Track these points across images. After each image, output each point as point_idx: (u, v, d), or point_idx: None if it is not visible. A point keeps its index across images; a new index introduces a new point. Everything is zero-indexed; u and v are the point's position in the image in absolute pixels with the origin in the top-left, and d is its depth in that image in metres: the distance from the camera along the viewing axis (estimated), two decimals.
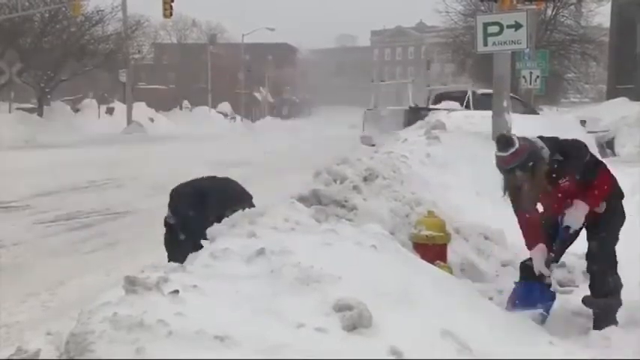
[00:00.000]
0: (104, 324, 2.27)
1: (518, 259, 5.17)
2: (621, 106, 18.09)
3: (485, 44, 11.44)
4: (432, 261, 4.43)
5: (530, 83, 19.80)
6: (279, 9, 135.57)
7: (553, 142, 4.20)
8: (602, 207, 4.22)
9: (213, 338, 2.32)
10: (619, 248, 4.50)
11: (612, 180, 4.35)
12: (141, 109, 37.52)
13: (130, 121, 34.06)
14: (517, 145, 4.00)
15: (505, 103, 12.79)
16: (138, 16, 38.09)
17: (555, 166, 4.09)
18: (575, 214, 4.16)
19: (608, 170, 4.39)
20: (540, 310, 4.09)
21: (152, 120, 38.37)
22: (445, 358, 2.62)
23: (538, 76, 19.87)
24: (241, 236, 3.62)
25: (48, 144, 21.74)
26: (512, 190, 4.26)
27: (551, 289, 4.43)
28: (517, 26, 11.09)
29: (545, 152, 4.07)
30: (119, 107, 37.26)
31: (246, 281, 2.95)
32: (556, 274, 5.08)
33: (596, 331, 4.00)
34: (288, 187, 6.02)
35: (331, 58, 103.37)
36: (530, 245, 4.34)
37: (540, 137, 4.26)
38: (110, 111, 37.79)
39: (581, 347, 3.71)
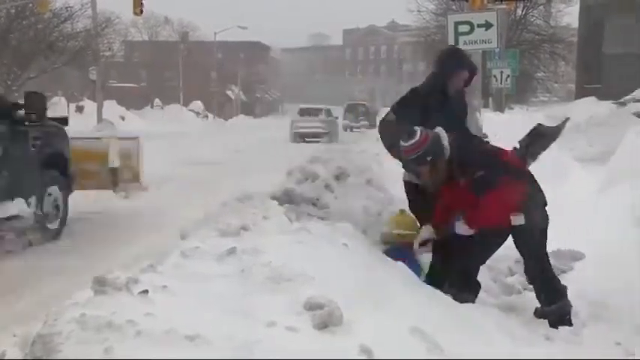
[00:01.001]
0: (72, 325, 2.24)
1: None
2: (590, 105, 18.37)
3: (457, 43, 11.53)
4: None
5: (501, 82, 20.00)
6: (251, 8, 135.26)
7: (460, 143, 4.28)
8: (519, 219, 4.14)
9: (183, 338, 2.31)
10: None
11: (509, 192, 4.17)
12: (112, 108, 37.11)
13: (100, 119, 33.63)
14: (417, 138, 4.17)
15: (476, 102, 12.91)
16: (108, 13, 37.66)
17: (454, 166, 4.19)
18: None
19: (506, 183, 4.19)
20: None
21: (123, 118, 38.00)
22: (415, 358, 2.63)
23: (509, 76, 20.08)
24: (212, 235, 3.61)
25: None
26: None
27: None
28: (488, 25, 11.21)
29: (446, 151, 4.18)
30: (89, 105, 36.79)
31: (217, 280, 2.94)
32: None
33: (567, 328, 4.03)
34: (260, 186, 6.00)
35: (304, 56, 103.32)
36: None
37: (460, 135, 4.39)
38: (80, 109, 37.32)
39: (549, 345, 3.74)
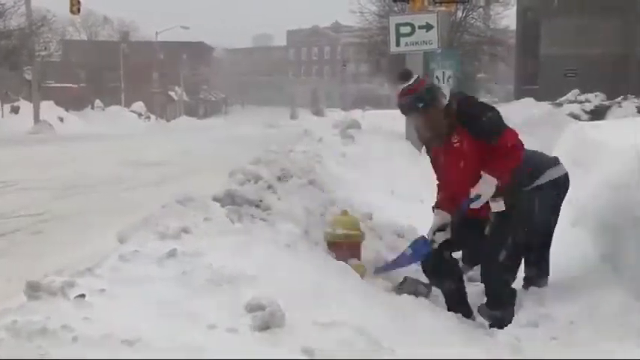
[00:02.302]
0: (2, 332, 2.17)
1: None
2: (528, 106, 18.83)
3: (398, 44, 11.70)
4: (346, 259, 4.46)
5: (443, 82, 20.31)
6: (193, 8, 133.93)
7: (461, 97, 4.06)
8: (499, 204, 3.94)
9: (122, 342, 2.27)
10: None
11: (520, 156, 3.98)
12: (50, 109, 36.14)
13: (37, 120, 32.75)
14: (411, 82, 3.93)
15: None
16: (44, 11, 36.65)
17: (449, 117, 3.92)
18: (482, 188, 3.89)
19: (517, 138, 3.96)
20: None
21: (62, 119, 37.05)
22: (358, 358, 2.64)
23: (450, 76, 20.41)
24: (152, 238, 3.55)
25: None
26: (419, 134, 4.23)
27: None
28: (428, 27, 11.41)
29: (443, 99, 3.94)
30: (25, 106, 35.76)
31: (157, 283, 2.90)
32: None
33: (507, 328, 4.03)
34: (204, 188, 5.93)
35: (248, 57, 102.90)
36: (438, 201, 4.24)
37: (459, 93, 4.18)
38: (15, 110, 36.23)
39: (493, 346, 3.79)
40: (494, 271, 4.15)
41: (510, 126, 4.04)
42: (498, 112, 3.98)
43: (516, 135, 3.98)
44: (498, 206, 3.96)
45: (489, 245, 4.08)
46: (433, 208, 4.31)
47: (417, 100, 3.91)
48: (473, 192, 3.94)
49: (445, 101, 3.98)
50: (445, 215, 4.16)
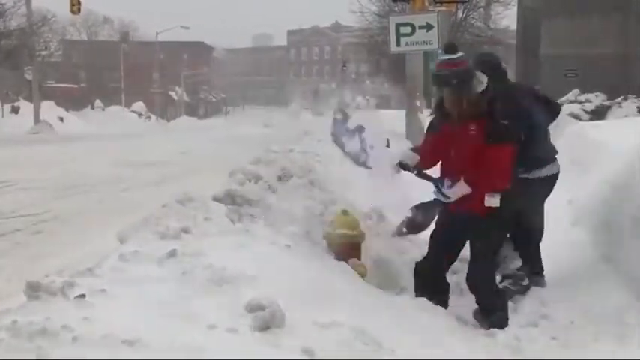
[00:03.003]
0: (2, 332, 2.17)
1: None
2: None
3: (399, 44, 11.71)
4: (346, 259, 4.46)
5: None
6: (194, 8, 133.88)
7: (502, 89, 4.07)
8: (495, 200, 3.93)
9: (120, 342, 2.26)
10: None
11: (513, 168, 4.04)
12: (50, 109, 36.18)
13: (37, 120, 32.75)
14: (456, 57, 3.93)
15: (418, 102, 13.12)
16: (44, 11, 36.68)
17: (478, 106, 3.93)
18: (455, 190, 3.99)
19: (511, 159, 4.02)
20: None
21: (62, 120, 37.06)
22: (358, 358, 2.64)
23: None
24: (152, 238, 3.55)
25: None
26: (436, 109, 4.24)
27: None
28: (428, 27, 11.41)
29: (479, 85, 3.95)
30: (26, 106, 35.77)
31: (157, 283, 2.89)
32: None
33: (507, 329, 4.05)
34: (204, 188, 5.93)
35: (248, 57, 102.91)
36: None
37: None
38: (15, 110, 36.24)
39: (493, 346, 3.79)
40: (482, 278, 4.13)
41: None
42: (514, 125, 3.99)
43: (512, 155, 4.00)
44: (494, 202, 3.94)
45: (479, 251, 4.11)
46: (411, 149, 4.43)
47: (453, 76, 3.91)
48: (446, 188, 4.05)
49: (480, 89, 3.96)
50: (415, 157, 4.27)
